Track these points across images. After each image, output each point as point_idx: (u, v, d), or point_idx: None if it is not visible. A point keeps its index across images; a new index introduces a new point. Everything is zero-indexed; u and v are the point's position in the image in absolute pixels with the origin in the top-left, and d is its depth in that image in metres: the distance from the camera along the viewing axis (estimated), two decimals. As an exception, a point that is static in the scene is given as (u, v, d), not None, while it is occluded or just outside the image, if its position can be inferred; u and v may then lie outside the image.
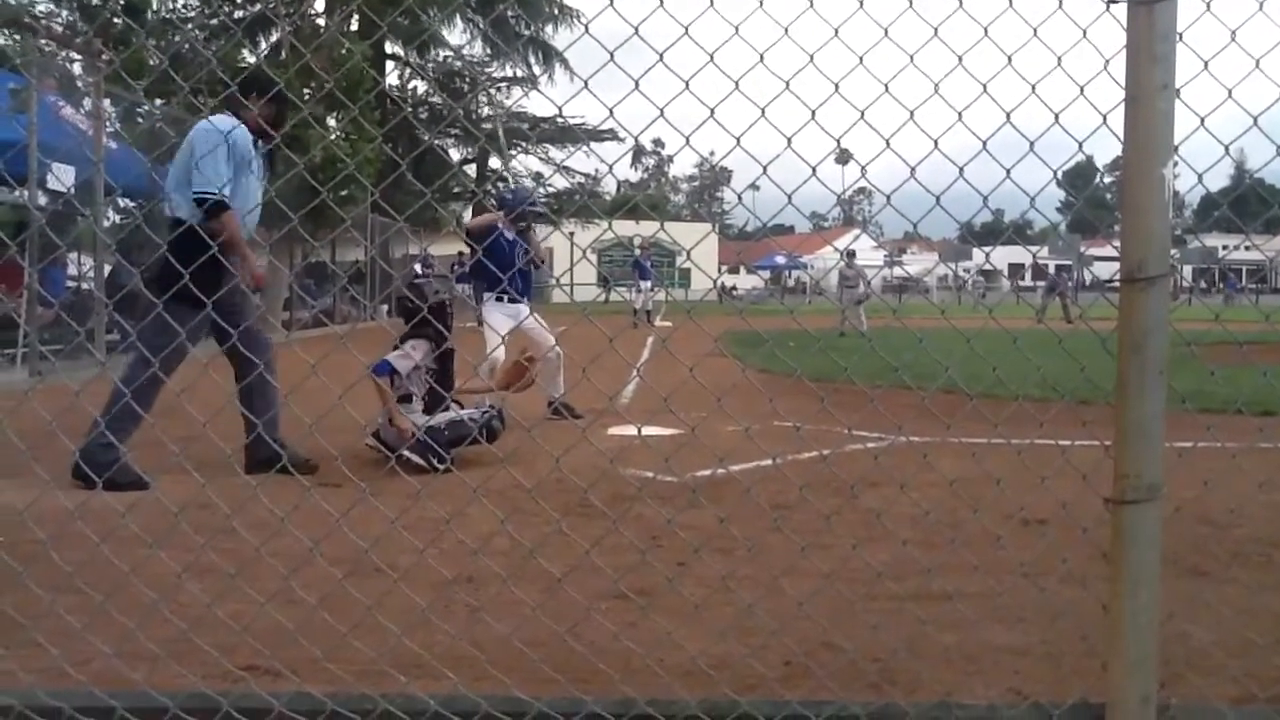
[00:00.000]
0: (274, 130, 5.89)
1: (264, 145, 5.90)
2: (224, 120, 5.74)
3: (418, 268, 30.26)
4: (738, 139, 2.39)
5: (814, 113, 2.35)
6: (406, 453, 5.34)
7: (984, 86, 2.40)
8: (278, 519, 2.87)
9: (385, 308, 28.82)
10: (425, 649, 2.80)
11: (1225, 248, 49.84)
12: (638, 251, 29.71)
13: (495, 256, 8.38)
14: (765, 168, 2.47)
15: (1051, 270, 29.65)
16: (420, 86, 38.46)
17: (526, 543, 3.52)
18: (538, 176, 40.73)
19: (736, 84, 2.29)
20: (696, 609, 3.21)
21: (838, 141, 2.41)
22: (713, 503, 4.92)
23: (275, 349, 5.57)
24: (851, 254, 22.48)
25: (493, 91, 39.53)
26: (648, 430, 7.57)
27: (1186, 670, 2.77)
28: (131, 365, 5.23)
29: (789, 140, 2.40)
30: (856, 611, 3.31)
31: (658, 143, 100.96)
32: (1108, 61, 2.23)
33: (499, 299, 8.41)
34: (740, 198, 3.40)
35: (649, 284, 27.48)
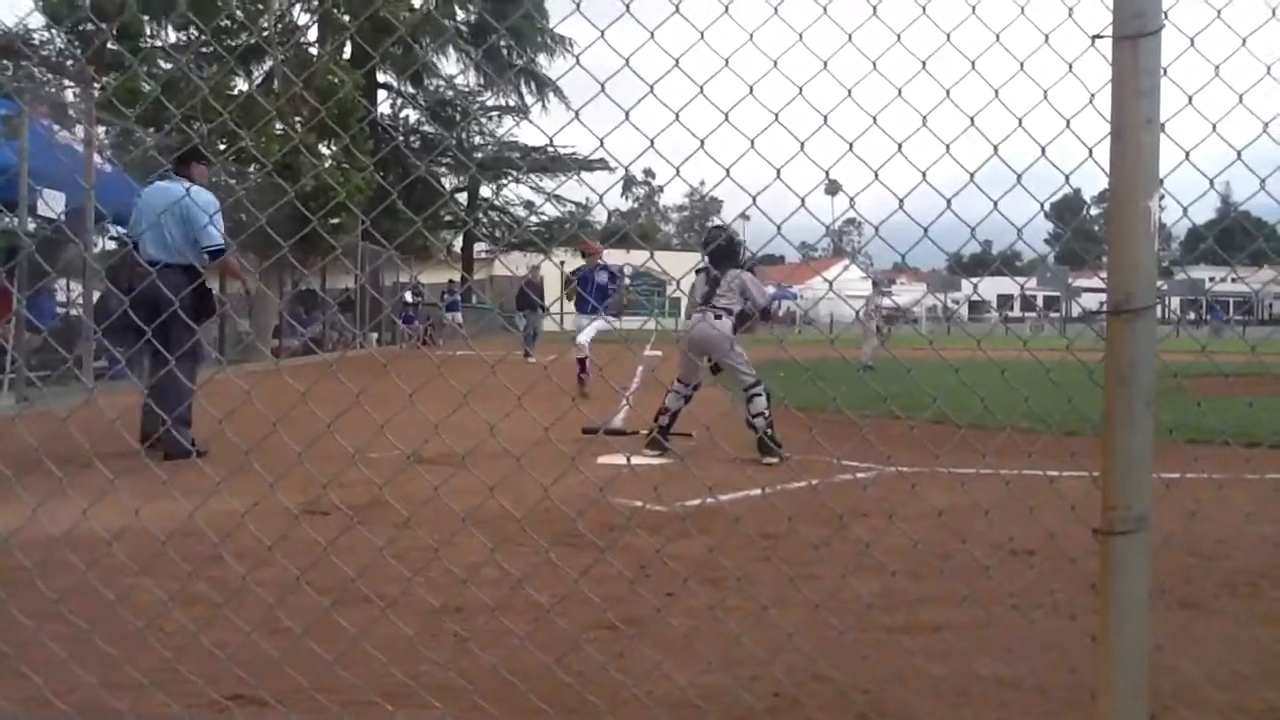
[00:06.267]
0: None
1: None
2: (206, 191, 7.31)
3: (408, 295, 30.34)
4: (727, 170, 2.41)
5: (803, 144, 2.38)
6: None
7: (971, 119, 2.43)
8: (265, 547, 2.86)
9: (374, 335, 28.79)
10: (412, 678, 2.78)
11: (1212, 279, 50.21)
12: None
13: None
14: (755, 198, 2.50)
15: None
16: (412, 115, 38.66)
17: (515, 572, 3.51)
18: (529, 205, 40.92)
19: (726, 115, 2.31)
20: (685, 639, 3.20)
21: (826, 173, 2.44)
22: (702, 532, 4.91)
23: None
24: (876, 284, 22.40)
25: (484, 120, 39.77)
26: (637, 459, 7.56)
27: (1175, 702, 2.77)
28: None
29: (778, 171, 2.42)
30: (846, 642, 3.30)
31: (648, 173, 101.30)
32: (1093, 96, 2.26)
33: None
34: (728, 229, 3.41)
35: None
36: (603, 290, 14.04)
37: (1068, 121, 2.41)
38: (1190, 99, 2.39)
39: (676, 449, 7.75)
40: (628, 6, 2.37)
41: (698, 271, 8.31)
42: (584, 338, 12.83)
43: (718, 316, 8.02)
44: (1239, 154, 2.64)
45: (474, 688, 2.72)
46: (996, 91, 2.42)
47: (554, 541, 4.50)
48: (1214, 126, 2.49)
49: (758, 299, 8.18)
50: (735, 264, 8.25)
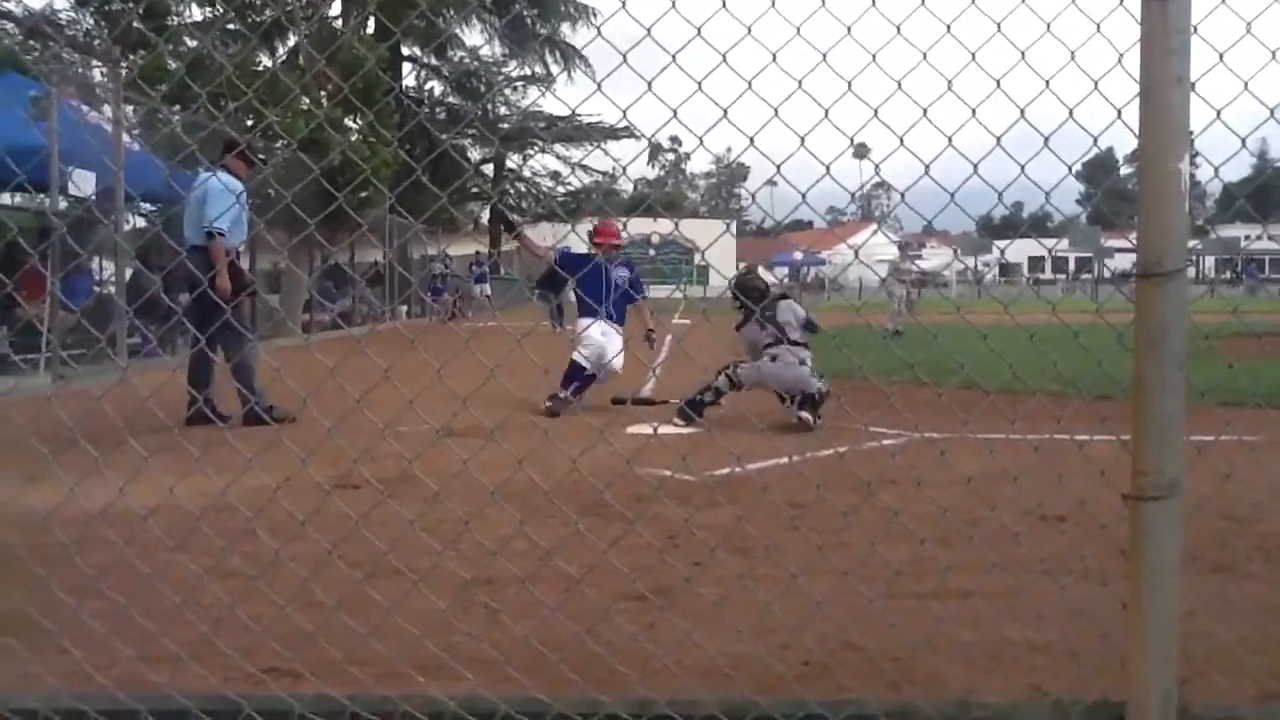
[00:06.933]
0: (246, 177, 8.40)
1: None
2: (231, 180, 7.98)
3: (438, 267, 30.43)
4: (751, 139, 2.39)
5: (827, 112, 2.35)
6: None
7: (998, 82, 2.40)
8: (297, 522, 2.89)
9: (404, 309, 28.92)
10: (444, 650, 2.81)
11: (1247, 238, 49.42)
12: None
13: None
14: (779, 168, 2.48)
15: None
16: (437, 88, 38.63)
17: (544, 544, 3.54)
18: (555, 175, 40.85)
19: (749, 84, 2.29)
20: (715, 608, 3.21)
21: (851, 140, 2.41)
22: (730, 502, 4.92)
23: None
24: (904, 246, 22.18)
25: (509, 91, 39.68)
26: (664, 429, 7.57)
27: (1207, 667, 2.75)
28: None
29: (802, 140, 2.40)
30: (875, 610, 3.30)
31: (674, 140, 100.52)
32: (1122, 55, 2.22)
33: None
34: (754, 197, 3.40)
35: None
36: (620, 294, 9.48)
37: (1095, 82, 2.37)
38: (1221, 56, 2.34)
39: (704, 419, 7.76)
40: (648, -25, 2.35)
41: (738, 327, 8.55)
42: (593, 350, 8.67)
43: (801, 362, 8.09)
44: (1272, 112, 2.59)
45: (505, 659, 2.74)
46: (1023, 53, 2.38)
47: (583, 513, 4.53)
48: (1245, 84, 2.44)
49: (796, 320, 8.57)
50: (767, 295, 8.72)
